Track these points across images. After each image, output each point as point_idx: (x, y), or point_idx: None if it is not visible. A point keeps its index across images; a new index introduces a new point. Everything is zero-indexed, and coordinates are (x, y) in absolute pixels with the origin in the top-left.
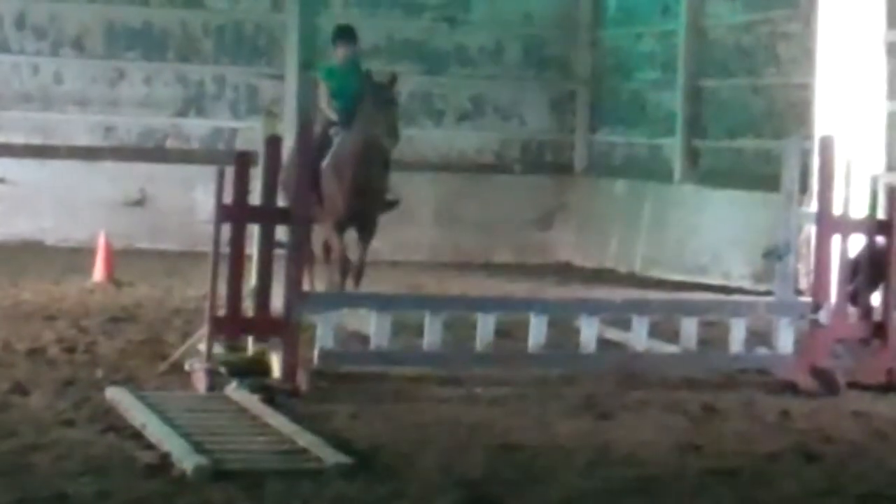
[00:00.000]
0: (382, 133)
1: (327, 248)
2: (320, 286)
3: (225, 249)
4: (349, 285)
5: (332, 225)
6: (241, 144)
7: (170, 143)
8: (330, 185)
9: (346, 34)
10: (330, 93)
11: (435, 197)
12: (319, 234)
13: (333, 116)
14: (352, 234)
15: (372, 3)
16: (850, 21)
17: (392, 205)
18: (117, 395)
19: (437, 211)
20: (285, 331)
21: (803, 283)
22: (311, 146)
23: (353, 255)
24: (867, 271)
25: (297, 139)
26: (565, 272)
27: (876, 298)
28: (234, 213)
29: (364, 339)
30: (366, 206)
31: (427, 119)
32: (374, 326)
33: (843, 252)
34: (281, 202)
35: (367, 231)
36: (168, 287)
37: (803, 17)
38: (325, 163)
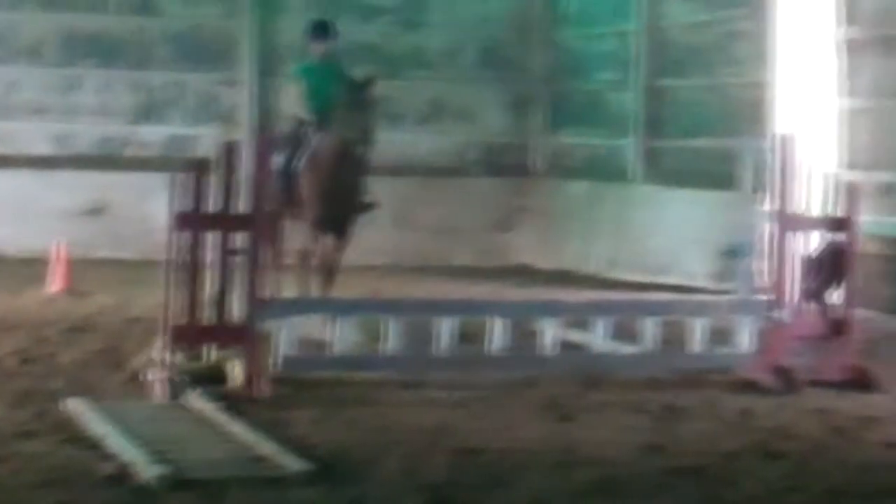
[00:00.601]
0: (356, 137)
1: (303, 253)
2: (295, 291)
3: (183, 258)
4: (318, 289)
5: (309, 228)
6: (199, 151)
7: (127, 151)
8: (306, 187)
9: (321, 29)
10: (305, 92)
11: (394, 200)
12: (295, 238)
13: (307, 116)
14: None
15: (330, 8)
16: (805, 20)
17: (369, 207)
18: (76, 406)
19: (396, 215)
20: (245, 338)
21: (764, 282)
22: (270, 152)
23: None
24: (826, 269)
25: (256, 145)
26: (525, 274)
27: (835, 296)
28: (192, 221)
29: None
30: (342, 209)
31: (385, 122)
32: (335, 332)
33: (802, 250)
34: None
35: (343, 234)
36: (126, 296)
37: (758, 16)
38: (300, 164)
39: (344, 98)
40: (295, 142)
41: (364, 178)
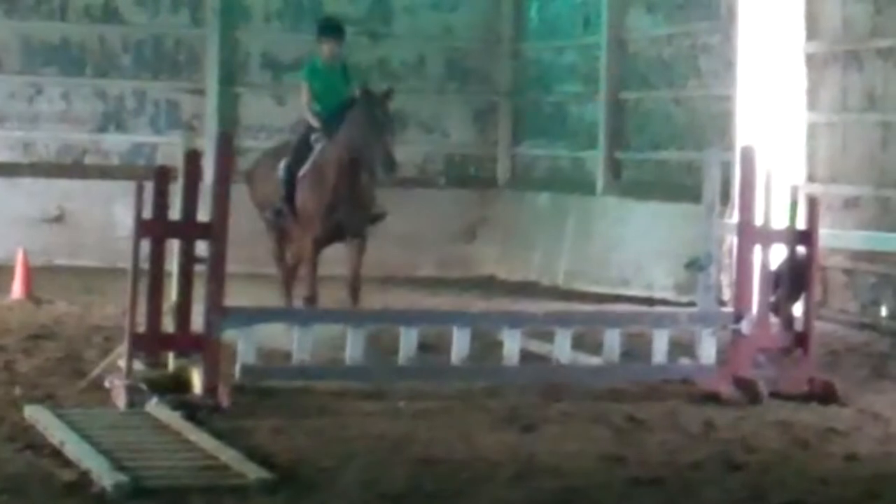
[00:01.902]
0: (376, 159)
1: (294, 265)
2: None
3: (144, 265)
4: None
5: (307, 240)
6: (161, 160)
7: (89, 159)
8: (307, 197)
9: (331, 29)
10: (312, 95)
11: None
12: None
13: (314, 121)
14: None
15: (294, 18)
16: (770, 33)
17: (378, 218)
18: (36, 413)
19: None
20: (206, 346)
21: (726, 294)
22: (231, 161)
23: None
24: (788, 281)
25: (217, 154)
26: (489, 285)
27: (797, 308)
28: (154, 229)
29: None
30: (349, 221)
31: None
32: (295, 341)
33: (765, 262)
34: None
35: (355, 245)
36: (87, 304)
37: (723, 29)
38: (302, 172)
39: (360, 113)
40: (299, 148)
41: (373, 189)
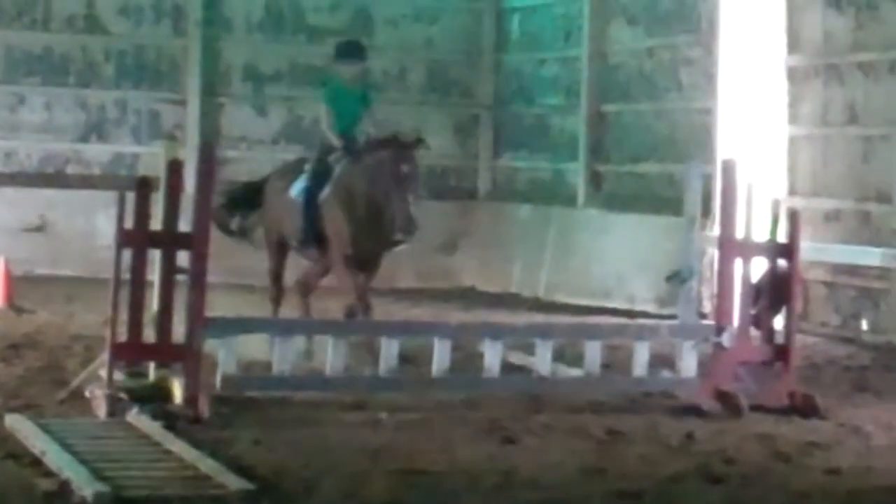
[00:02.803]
0: (396, 221)
1: (305, 284)
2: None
3: (126, 275)
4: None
5: (341, 260)
6: (143, 170)
7: (71, 169)
8: (336, 218)
9: (352, 51)
10: (332, 116)
11: None
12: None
13: (336, 142)
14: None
15: (275, 29)
16: (751, 46)
17: (399, 242)
18: (16, 423)
19: None
20: (187, 357)
21: (707, 307)
22: (214, 172)
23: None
24: (769, 295)
25: (199, 165)
26: (469, 297)
27: (778, 322)
28: (135, 239)
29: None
30: (373, 244)
31: None
32: (276, 352)
33: (746, 275)
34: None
35: (369, 269)
36: (69, 313)
37: (705, 42)
38: (324, 194)
39: (385, 165)
40: (317, 170)
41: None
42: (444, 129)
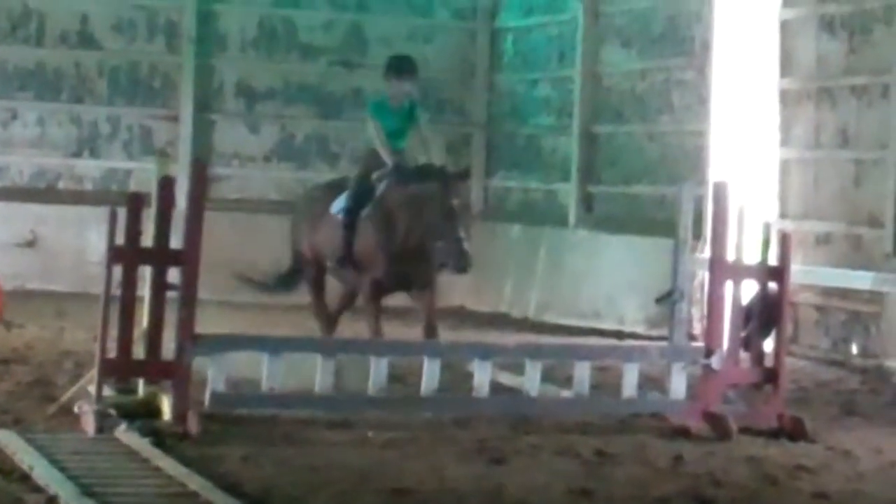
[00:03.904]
0: (450, 256)
1: (337, 309)
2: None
3: (117, 291)
4: None
5: (367, 282)
6: (134, 186)
7: (63, 184)
8: (371, 240)
9: (404, 67)
10: (380, 133)
11: None
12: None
13: (389, 158)
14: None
15: (268, 47)
16: (744, 69)
17: (440, 267)
18: (5, 438)
19: None
20: (176, 373)
21: (697, 329)
22: (205, 189)
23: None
24: (759, 317)
25: (191, 181)
26: (460, 316)
27: (768, 344)
28: (126, 255)
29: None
30: (416, 273)
31: (322, 162)
32: (265, 369)
33: (736, 298)
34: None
35: (423, 293)
36: (59, 329)
37: (697, 65)
38: (364, 213)
39: (436, 195)
40: (360, 189)
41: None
42: (436, 148)
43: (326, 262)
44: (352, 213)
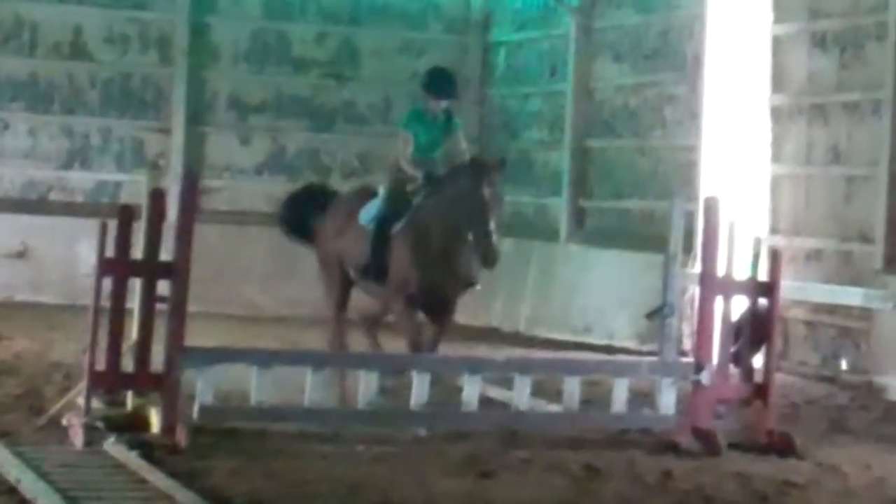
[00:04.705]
0: (477, 250)
1: (373, 320)
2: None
3: (107, 303)
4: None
5: (402, 300)
6: (126, 198)
7: (53, 196)
8: (404, 257)
9: (445, 85)
10: (412, 144)
11: None
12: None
13: (415, 172)
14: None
15: (260, 59)
16: (736, 85)
17: (469, 285)
18: None
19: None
20: (165, 386)
21: (687, 344)
22: (197, 201)
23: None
24: (749, 333)
25: (182, 194)
26: (450, 330)
27: (757, 360)
28: (116, 267)
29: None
30: (443, 288)
31: (314, 175)
32: (254, 382)
33: (726, 313)
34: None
35: (443, 314)
36: (48, 341)
37: (689, 80)
38: (398, 227)
39: (467, 191)
40: (394, 200)
41: (471, 264)
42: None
43: (350, 271)
44: (384, 225)
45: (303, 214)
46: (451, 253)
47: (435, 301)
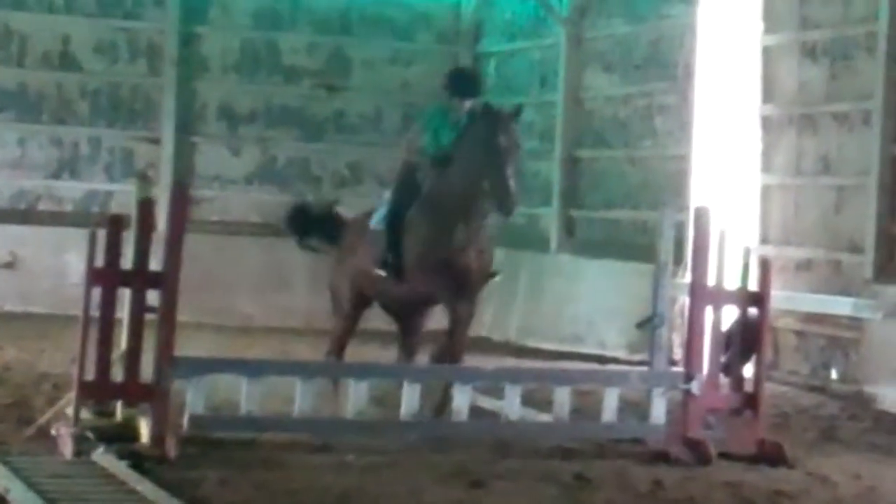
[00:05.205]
0: (494, 198)
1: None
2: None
3: (96, 313)
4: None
5: (445, 287)
6: (115, 208)
7: (42, 206)
8: (422, 237)
9: (467, 92)
10: (426, 134)
11: (310, 263)
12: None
13: (417, 157)
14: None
15: (251, 69)
16: (727, 95)
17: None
18: None
19: (311, 277)
20: (154, 396)
21: (677, 354)
22: (186, 211)
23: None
24: (739, 343)
25: (171, 204)
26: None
27: (748, 370)
28: (105, 277)
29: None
30: (464, 269)
31: (304, 185)
32: (244, 392)
33: (716, 323)
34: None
35: (464, 300)
36: (37, 350)
37: (680, 90)
38: (412, 210)
39: (479, 138)
40: (403, 190)
41: (489, 239)
42: None
43: (373, 271)
44: (397, 213)
45: (309, 222)
46: (470, 217)
47: (457, 275)
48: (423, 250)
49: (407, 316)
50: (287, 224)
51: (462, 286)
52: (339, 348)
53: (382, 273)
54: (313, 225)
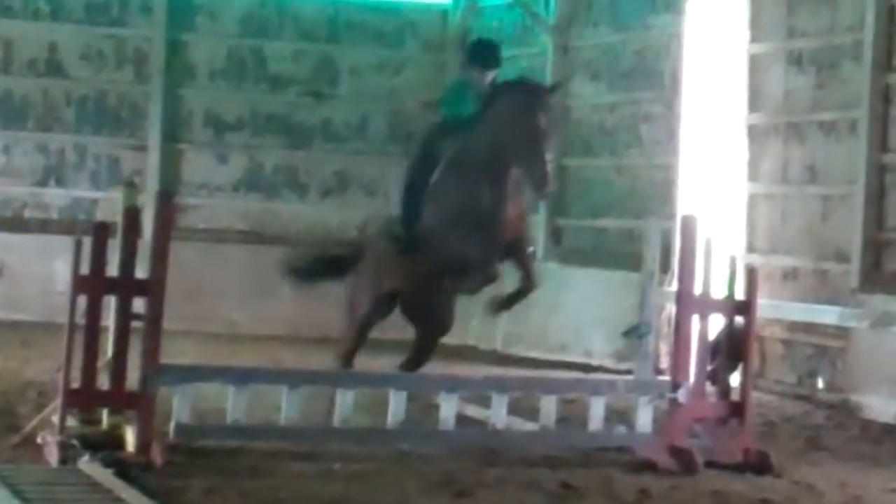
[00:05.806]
0: (529, 178)
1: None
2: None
3: (81, 321)
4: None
5: (483, 261)
6: (101, 215)
7: (28, 213)
8: (449, 203)
9: (488, 62)
10: (447, 97)
11: None
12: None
13: (436, 116)
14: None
15: (237, 77)
16: (713, 104)
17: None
18: None
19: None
20: (140, 404)
21: (663, 362)
22: (171, 219)
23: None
24: (726, 351)
25: (157, 211)
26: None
27: (734, 378)
28: (91, 285)
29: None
30: (497, 236)
31: (290, 193)
32: (231, 400)
33: (703, 332)
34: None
35: (520, 253)
36: (24, 358)
37: (666, 99)
38: (435, 177)
39: (515, 111)
40: (423, 158)
41: (524, 210)
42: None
43: (394, 278)
44: (416, 184)
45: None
46: (503, 181)
47: (499, 232)
48: (456, 211)
49: (430, 307)
50: (292, 278)
51: (511, 246)
52: (348, 355)
53: (403, 253)
54: (321, 276)
